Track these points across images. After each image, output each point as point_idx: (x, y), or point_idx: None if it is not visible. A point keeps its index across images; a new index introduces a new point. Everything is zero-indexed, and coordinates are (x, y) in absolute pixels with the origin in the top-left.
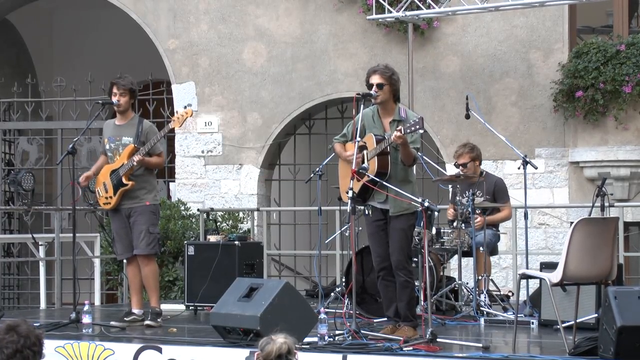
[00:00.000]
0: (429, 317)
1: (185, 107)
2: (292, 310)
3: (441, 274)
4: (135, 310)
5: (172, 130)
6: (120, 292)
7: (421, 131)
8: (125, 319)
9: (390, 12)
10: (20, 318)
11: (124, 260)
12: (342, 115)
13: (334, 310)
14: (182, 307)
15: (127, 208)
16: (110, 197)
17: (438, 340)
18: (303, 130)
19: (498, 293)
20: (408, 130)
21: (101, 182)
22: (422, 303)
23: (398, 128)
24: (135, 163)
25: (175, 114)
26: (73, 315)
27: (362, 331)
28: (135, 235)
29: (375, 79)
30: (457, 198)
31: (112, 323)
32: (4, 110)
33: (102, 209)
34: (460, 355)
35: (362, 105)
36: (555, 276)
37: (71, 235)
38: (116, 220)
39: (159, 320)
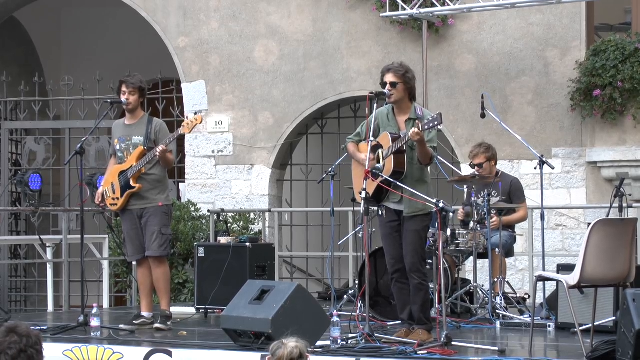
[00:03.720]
0: (444, 320)
1: (195, 113)
2: (304, 313)
3: (456, 276)
4: (144, 314)
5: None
6: (129, 295)
7: (440, 127)
8: (134, 322)
9: (405, 9)
10: (15, 320)
11: (134, 262)
12: (355, 114)
13: (347, 313)
14: (192, 310)
15: (139, 209)
16: (117, 199)
17: (453, 343)
18: (315, 130)
19: (514, 295)
20: (426, 127)
21: (109, 183)
22: (437, 306)
23: (416, 124)
24: (158, 153)
25: (186, 119)
26: (81, 319)
27: (376, 334)
28: (147, 236)
29: (389, 78)
30: (473, 199)
31: (121, 326)
32: (11, 109)
33: (110, 210)
34: (476, 358)
35: (375, 105)
36: (573, 278)
37: (79, 236)
38: (127, 221)
39: (168, 323)
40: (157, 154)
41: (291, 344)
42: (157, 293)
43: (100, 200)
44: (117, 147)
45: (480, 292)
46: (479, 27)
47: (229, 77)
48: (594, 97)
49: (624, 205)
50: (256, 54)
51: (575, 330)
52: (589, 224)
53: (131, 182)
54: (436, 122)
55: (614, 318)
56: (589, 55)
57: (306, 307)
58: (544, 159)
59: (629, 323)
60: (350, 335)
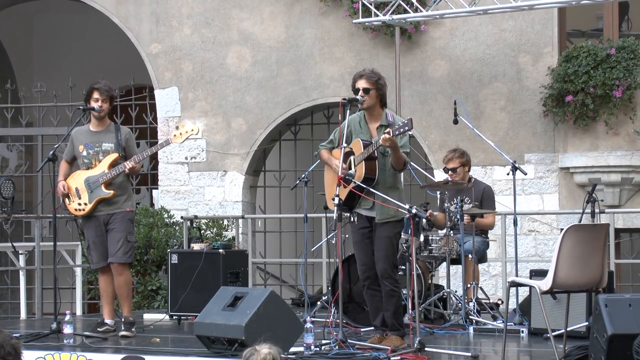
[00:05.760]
0: (417, 326)
1: (193, 124)
2: (277, 320)
3: (429, 281)
4: (107, 321)
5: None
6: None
7: (410, 132)
8: (98, 329)
9: (377, 15)
10: None
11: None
12: (328, 120)
13: (320, 319)
14: (165, 316)
15: (106, 215)
16: (85, 204)
17: (426, 349)
18: (288, 136)
19: (487, 301)
20: (397, 132)
21: (72, 188)
22: (410, 311)
23: (386, 130)
24: (127, 170)
25: (179, 127)
26: (54, 326)
27: (349, 340)
28: (113, 243)
29: (362, 84)
30: (446, 204)
31: (86, 333)
32: None
33: (74, 216)
34: None
35: (348, 111)
36: (545, 284)
37: (52, 243)
38: (92, 228)
39: (133, 329)
40: (125, 171)
41: (264, 350)
42: (119, 300)
43: (61, 192)
44: (84, 153)
45: (453, 298)
46: (452, 34)
47: (202, 83)
48: (566, 103)
49: (596, 210)
50: (229, 60)
51: (548, 335)
52: (562, 229)
53: (103, 188)
54: (407, 128)
55: (587, 323)
56: (561, 61)
57: (279, 314)
58: (517, 165)
59: (601, 328)
60: (324, 341)
